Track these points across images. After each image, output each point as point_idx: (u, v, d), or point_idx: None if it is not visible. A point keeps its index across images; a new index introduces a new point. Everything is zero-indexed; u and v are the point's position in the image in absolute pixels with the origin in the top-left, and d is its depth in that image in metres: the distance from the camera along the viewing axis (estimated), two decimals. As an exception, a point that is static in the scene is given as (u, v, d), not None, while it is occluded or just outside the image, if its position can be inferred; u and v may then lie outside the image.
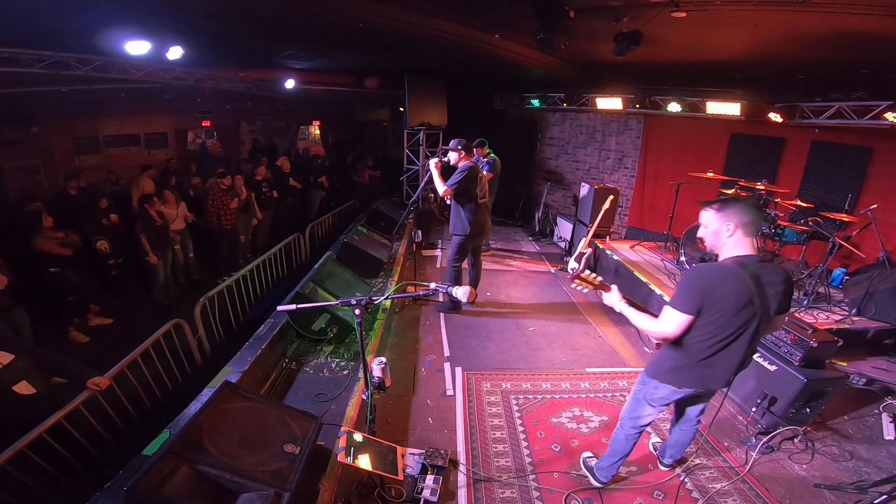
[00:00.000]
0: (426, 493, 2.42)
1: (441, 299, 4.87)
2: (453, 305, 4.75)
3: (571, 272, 6.01)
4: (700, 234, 2.07)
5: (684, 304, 1.91)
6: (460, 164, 4.33)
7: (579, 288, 2.23)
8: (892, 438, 3.05)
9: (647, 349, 4.31)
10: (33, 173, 6.88)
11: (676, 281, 4.85)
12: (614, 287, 2.23)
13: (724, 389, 2.17)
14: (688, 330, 1.94)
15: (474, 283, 4.90)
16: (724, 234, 1.93)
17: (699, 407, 2.37)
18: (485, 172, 4.99)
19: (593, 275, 2.25)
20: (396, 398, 3.30)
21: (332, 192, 9.46)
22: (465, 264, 4.89)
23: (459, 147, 4.32)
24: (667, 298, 4.29)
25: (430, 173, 4.36)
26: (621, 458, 2.46)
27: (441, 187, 4.25)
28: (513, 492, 2.56)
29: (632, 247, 6.01)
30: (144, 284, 5.81)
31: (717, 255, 2.03)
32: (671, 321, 1.94)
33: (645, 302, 4.70)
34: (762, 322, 1.90)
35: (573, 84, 7.21)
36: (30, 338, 4.03)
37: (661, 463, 2.73)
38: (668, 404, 2.27)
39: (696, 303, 1.88)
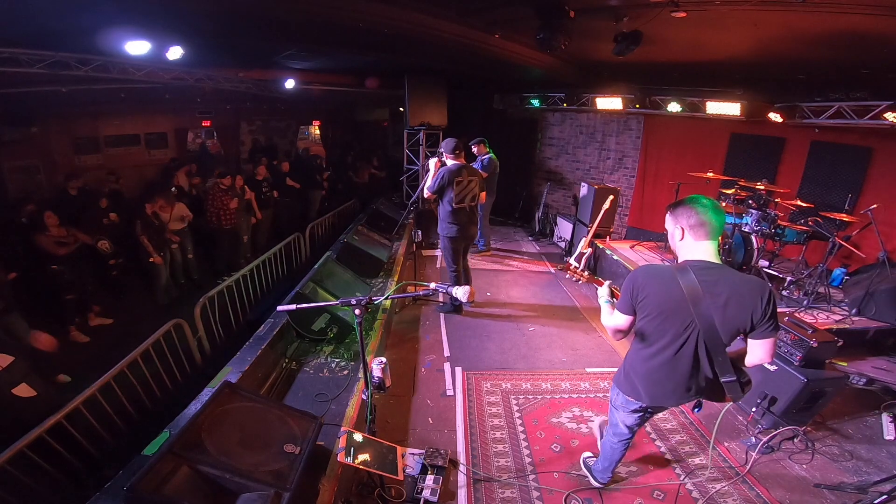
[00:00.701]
0: (426, 493, 2.42)
1: (441, 300, 4.87)
2: (454, 307, 4.75)
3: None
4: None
5: (622, 303, 1.91)
6: (442, 167, 4.35)
7: (572, 278, 2.32)
8: (892, 438, 3.05)
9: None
10: (33, 173, 6.88)
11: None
12: (607, 283, 2.20)
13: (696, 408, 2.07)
14: (630, 331, 1.95)
15: (466, 283, 4.89)
16: (676, 237, 1.84)
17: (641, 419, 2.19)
18: (470, 174, 4.88)
19: (581, 268, 2.32)
20: (396, 398, 3.30)
21: (332, 192, 9.46)
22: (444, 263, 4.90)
23: (451, 148, 4.30)
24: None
25: (428, 174, 4.38)
26: (613, 464, 2.45)
27: (425, 191, 4.32)
28: (513, 492, 2.56)
29: (632, 247, 6.01)
30: (144, 284, 5.82)
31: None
32: (614, 317, 1.96)
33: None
34: (706, 335, 1.75)
35: (573, 84, 7.20)
36: (28, 343, 4.01)
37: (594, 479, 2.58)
38: (635, 412, 2.12)
39: (626, 301, 1.87)
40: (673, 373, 1.88)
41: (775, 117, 5.28)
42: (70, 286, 4.75)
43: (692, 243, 1.79)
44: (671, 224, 1.86)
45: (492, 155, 6.28)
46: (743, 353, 1.82)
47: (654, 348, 1.88)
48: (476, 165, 5.98)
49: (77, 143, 7.50)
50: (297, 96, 8.54)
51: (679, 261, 1.85)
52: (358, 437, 2.11)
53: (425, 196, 4.36)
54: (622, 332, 1.97)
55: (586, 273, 2.27)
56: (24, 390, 2.36)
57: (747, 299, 1.68)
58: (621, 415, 2.19)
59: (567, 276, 2.28)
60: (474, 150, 6.27)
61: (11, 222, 5.17)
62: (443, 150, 4.34)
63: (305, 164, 9.37)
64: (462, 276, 4.73)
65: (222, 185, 6.28)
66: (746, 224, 4.59)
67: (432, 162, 4.36)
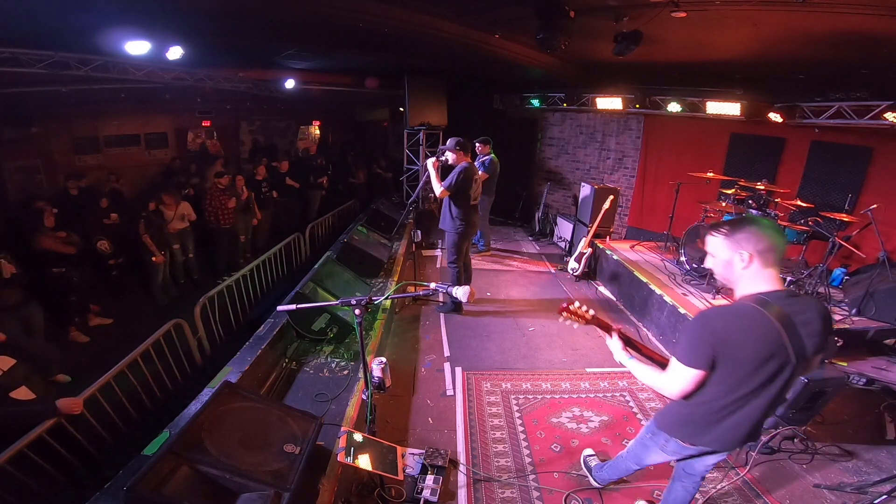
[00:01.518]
0: (426, 493, 2.42)
1: (441, 299, 4.88)
2: (455, 306, 4.75)
3: (571, 272, 6.03)
4: (708, 264, 1.68)
5: (692, 357, 1.56)
6: (457, 164, 4.34)
7: (567, 322, 1.97)
8: (893, 438, 3.05)
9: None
10: (33, 173, 6.88)
11: (676, 282, 4.85)
12: (615, 335, 1.92)
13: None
14: (701, 384, 1.60)
15: (467, 282, 4.91)
16: (737, 266, 1.56)
17: (710, 462, 1.91)
18: (480, 172, 5.00)
19: (584, 308, 1.95)
20: (396, 398, 3.30)
21: (333, 192, 9.47)
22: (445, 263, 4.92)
23: (457, 147, 4.32)
24: (667, 300, 4.30)
25: (429, 173, 4.36)
26: (618, 478, 2.43)
27: (438, 187, 4.27)
28: (513, 492, 2.56)
29: (632, 247, 6.00)
30: (144, 284, 5.82)
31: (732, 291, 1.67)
32: (679, 378, 1.60)
33: (644, 302, 4.70)
34: (798, 370, 1.52)
35: (573, 84, 7.20)
36: (42, 335, 4.01)
37: None
38: (682, 459, 1.93)
39: (706, 355, 1.52)
40: (752, 415, 1.60)
41: (775, 117, 5.28)
42: (70, 287, 4.75)
43: (759, 271, 1.53)
44: (728, 249, 1.57)
45: (493, 156, 6.28)
46: None
47: (734, 395, 1.57)
48: (477, 165, 5.98)
49: (77, 143, 7.49)
50: (297, 96, 8.54)
51: (738, 292, 1.60)
52: (358, 437, 2.11)
53: (438, 194, 4.30)
54: (688, 390, 1.60)
55: (591, 314, 1.96)
56: (22, 393, 2.36)
57: (827, 322, 1.54)
58: (660, 457, 1.94)
59: (560, 319, 1.97)
60: (478, 148, 6.26)
61: (12, 222, 5.17)
62: (454, 147, 4.34)
63: (305, 165, 9.38)
64: (463, 273, 4.74)
65: (220, 184, 6.29)
66: (746, 224, 4.59)
67: (430, 162, 4.36)
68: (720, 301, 4.33)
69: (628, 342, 1.93)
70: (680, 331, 1.65)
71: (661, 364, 1.79)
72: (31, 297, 4.02)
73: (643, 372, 1.77)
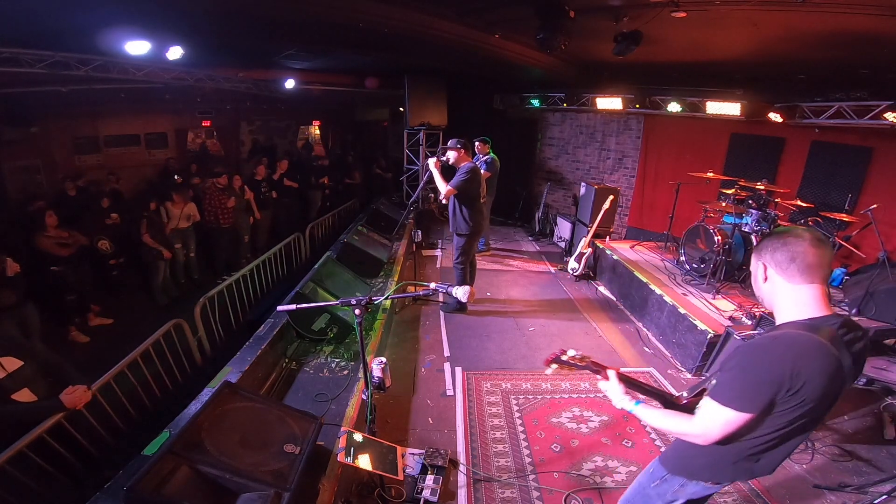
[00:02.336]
0: (426, 493, 2.42)
1: (441, 299, 4.88)
2: (459, 306, 4.75)
3: (571, 272, 6.03)
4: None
5: (746, 400, 1.25)
6: (462, 165, 4.33)
7: (551, 372, 1.65)
8: (893, 438, 3.05)
9: (646, 349, 4.31)
10: (33, 173, 6.88)
11: (677, 283, 4.84)
12: (611, 374, 1.59)
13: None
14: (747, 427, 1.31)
15: (470, 281, 4.91)
16: (758, 281, 1.38)
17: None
18: (483, 171, 5.02)
19: (578, 354, 1.62)
20: (396, 398, 3.30)
21: (333, 192, 9.48)
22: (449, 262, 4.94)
23: (459, 146, 4.33)
24: (667, 300, 4.29)
25: (430, 173, 4.35)
26: None
27: (444, 187, 4.24)
28: (513, 492, 2.56)
29: (632, 247, 6.00)
30: (144, 284, 5.82)
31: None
32: (719, 421, 1.29)
33: (644, 302, 4.70)
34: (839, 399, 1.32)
35: (573, 84, 7.20)
36: (39, 337, 4.02)
37: None
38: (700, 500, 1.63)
39: (766, 398, 1.23)
40: (790, 446, 1.39)
41: (775, 117, 5.28)
42: (71, 287, 4.75)
43: (790, 288, 1.30)
44: (753, 261, 1.39)
45: (493, 155, 6.29)
46: None
47: (780, 432, 1.31)
48: (479, 164, 5.99)
49: (77, 143, 7.51)
50: (297, 96, 8.55)
51: (782, 318, 1.34)
52: (358, 437, 2.11)
53: (444, 193, 4.27)
54: (725, 435, 1.31)
55: (586, 361, 1.63)
56: (24, 395, 2.36)
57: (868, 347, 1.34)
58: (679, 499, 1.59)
59: (547, 371, 1.65)
60: (478, 148, 6.26)
61: (12, 222, 5.17)
62: (456, 147, 4.35)
63: (305, 165, 9.39)
64: (468, 273, 4.75)
65: (218, 184, 6.29)
66: (746, 224, 4.59)
67: (431, 162, 4.36)
68: (722, 302, 4.33)
69: (630, 383, 1.59)
70: (723, 365, 1.35)
71: (669, 401, 1.57)
72: (27, 299, 4.02)
73: (658, 418, 1.46)
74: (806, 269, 1.26)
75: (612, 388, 1.58)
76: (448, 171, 4.41)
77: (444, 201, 4.45)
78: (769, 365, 1.22)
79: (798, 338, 1.24)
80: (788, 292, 1.31)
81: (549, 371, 1.63)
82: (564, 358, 1.60)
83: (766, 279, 1.35)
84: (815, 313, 1.27)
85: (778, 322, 1.35)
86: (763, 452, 1.37)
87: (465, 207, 4.39)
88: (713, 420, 1.30)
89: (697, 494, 1.56)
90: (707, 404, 1.32)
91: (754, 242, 4.65)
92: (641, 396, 1.57)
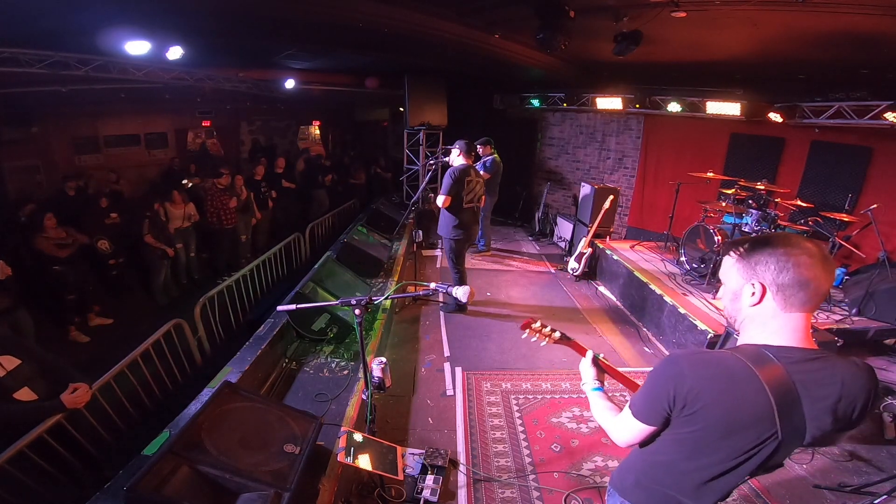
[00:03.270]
0: (426, 493, 2.42)
1: (441, 299, 4.88)
2: (458, 306, 4.75)
3: (571, 272, 6.03)
4: (719, 294, 1.30)
5: (644, 409, 1.20)
6: (453, 165, 4.38)
7: (532, 339, 1.75)
8: (893, 438, 3.05)
9: (646, 349, 4.31)
10: (33, 173, 6.89)
11: (677, 283, 4.84)
12: (589, 353, 1.63)
13: None
14: (651, 440, 1.25)
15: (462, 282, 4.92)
16: (745, 300, 1.13)
17: None
18: (481, 173, 5.01)
19: (548, 328, 1.72)
20: (396, 398, 3.30)
21: (333, 192, 9.48)
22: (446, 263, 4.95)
23: (458, 148, 4.36)
24: (667, 300, 4.30)
25: (431, 173, 4.44)
26: None
27: (439, 199, 4.32)
28: (513, 492, 2.56)
29: (632, 247, 6.00)
30: (145, 284, 5.82)
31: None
32: (626, 427, 1.27)
33: (644, 302, 4.70)
34: (784, 449, 1.09)
35: (573, 84, 7.20)
36: (33, 340, 4.02)
37: None
38: None
39: (658, 412, 1.15)
40: (716, 492, 1.20)
41: (775, 117, 5.28)
42: (70, 286, 4.75)
43: (776, 314, 1.09)
44: (739, 276, 1.14)
45: (495, 156, 6.28)
46: None
47: (694, 465, 1.18)
48: (478, 166, 5.98)
49: (77, 143, 7.51)
50: (297, 96, 8.55)
51: (745, 339, 1.16)
52: (358, 437, 2.11)
53: (440, 204, 4.34)
54: (634, 443, 1.29)
55: (556, 335, 1.73)
56: (24, 394, 2.36)
57: (857, 398, 1.07)
58: None
59: (523, 335, 1.78)
60: (479, 150, 6.26)
61: (12, 222, 5.17)
62: (457, 148, 4.36)
63: (309, 165, 9.39)
64: (464, 277, 4.75)
65: (219, 184, 6.29)
66: (746, 224, 4.59)
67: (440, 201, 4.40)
68: (721, 302, 4.33)
69: (601, 369, 1.63)
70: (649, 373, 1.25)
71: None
72: (19, 303, 4.01)
73: (599, 408, 1.46)
74: (813, 296, 1.05)
75: (584, 369, 1.61)
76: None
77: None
78: (673, 380, 1.11)
79: (727, 361, 1.08)
80: (771, 320, 1.10)
81: (524, 335, 1.75)
82: (535, 326, 1.73)
83: (758, 302, 1.10)
84: (782, 343, 1.09)
85: (740, 342, 1.17)
86: (686, 492, 1.22)
87: (446, 210, 4.40)
88: (623, 421, 1.28)
89: None
90: (625, 407, 1.30)
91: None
92: (606, 384, 1.59)
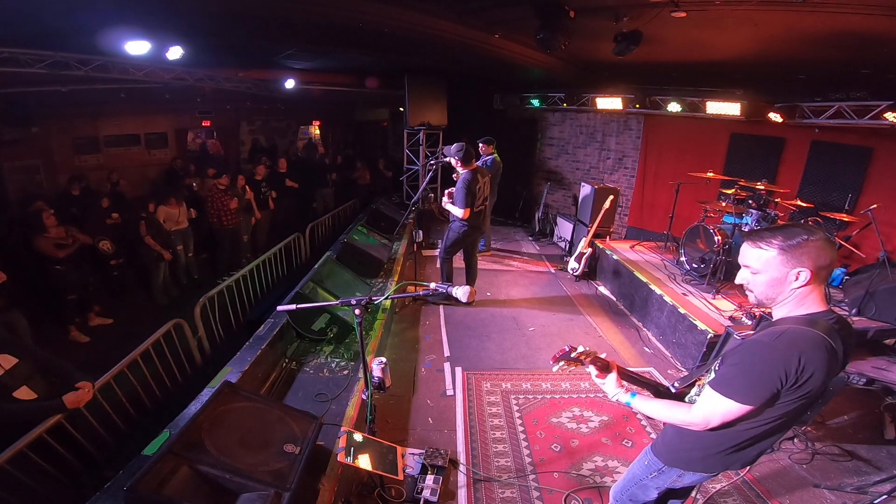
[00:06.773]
0: (426, 493, 2.42)
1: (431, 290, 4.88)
2: (447, 296, 4.73)
3: (571, 272, 6.03)
4: (741, 279, 1.45)
5: (749, 393, 1.30)
6: (461, 176, 4.39)
7: (557, 370, 1.58)
8: (893, 438, 3.05)
9: (646, 349, 4.31)
10: (33, 173, 6.89)
11: (677, 283, 4.84)
12: (612, 375, 1.61)
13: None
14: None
15: (471, 282, 4.91)
16: (790, 285, 1.32)
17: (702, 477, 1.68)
18: (482, 176, 4.98)
19: (585, 349, 1.56)
20: (396, 398, 3.31)
21: (337, 191, 9.49)
22: (460, 262, 4.93)
23: (457, 156, 4.37)
24: (667, 300, 4.30)
25: (431, 174, 4.49)
26: None
27: (459, 212, 4.37)
28: (513, 492, 2.56)
29: (632, 247, 6.00)
30: (145, 284, 5.82)
31: (769, 312, 1.45)
32: (719, 411, 1.35)
33: (644, 302, 4.70)
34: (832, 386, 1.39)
35: (573, 84, 7.20)
36: (29, 340, 4.02)
37: None
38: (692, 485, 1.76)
39: (769, 391, 1.28)
40: (772, 439, 1.47)
41: (775, 117, 5.28)
42: (71, 286, 4.75)
43: (813, 289, 1.33)
44: (782, 266, 1.31)
45: (496, 156, 6.27)
46: None
47: (779, 422, 1.39)
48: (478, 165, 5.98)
49: (77, 143, 7.50)
50: (297, 96, 8.54)
51: (779, 313, 1.39)
52: (358, 437, 2.11)
53: (460, 216, 4.40)
54: (720, 424, 1.38)
55: (590, 358, 1.59)
56: (24, 393, 2.36)
57: (852, 340, 1.40)
58: (656, 493, 1.75)
59: (554, 369, 1.57)
60: (481, 148, 6.24)
61: (12, 222, 5.17)
62: (455, 158, 4.38)
63: (311, 164, 9.39)
64: (463, 273, 4.75)
65: (220, 185, 6.29)
66: (746, 224, 4.58)
67: (445, 200, 4.48)
68: (722, 302, 4.33)
69: (626, 376, 1.63)
70: (724, 358, 1.40)
71: (660, 392, 1.64)
72: (12, 305, 3.99)
73: (657, 408, 1.51)
74: (831, 270, 1.33)
75: (609, 381, 1.61)
76: (449, 171, 4.47)
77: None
78: (776, 360, 1.26)
79: (804, 333, 1.28)
80: (807, 293, 1.33)
81: (555, 369, 1.58)
82: (574, 355, 1.55)
83: (804, 284, 1.30)
84: (815, 309, 1.34)
85: (776, 318, 1.40)
86: (753, 443, 1.45)
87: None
88: (714, 410, 1.36)
89: (693, 482, 1.69)
90: (709, 395, 1.38)
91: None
92: (636, 388, 1.63)
